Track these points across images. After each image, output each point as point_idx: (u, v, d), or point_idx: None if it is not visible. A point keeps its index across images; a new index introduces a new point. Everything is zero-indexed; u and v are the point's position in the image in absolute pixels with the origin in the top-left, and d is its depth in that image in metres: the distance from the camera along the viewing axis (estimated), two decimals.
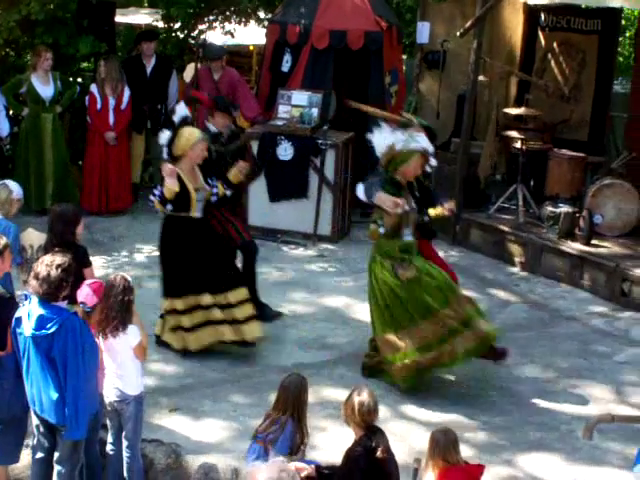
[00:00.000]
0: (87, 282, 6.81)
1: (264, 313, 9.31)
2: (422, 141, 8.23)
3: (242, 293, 8.75)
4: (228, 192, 8.89)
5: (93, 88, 12.69)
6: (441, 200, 8.42)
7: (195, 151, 8.51)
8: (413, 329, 8.08)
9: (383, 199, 8.00)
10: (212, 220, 8.95)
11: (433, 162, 8.42)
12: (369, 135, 8.35)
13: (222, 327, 8.62)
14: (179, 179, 8.42)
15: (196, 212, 8.60)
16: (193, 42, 15.34)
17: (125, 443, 6.76)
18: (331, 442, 7.32)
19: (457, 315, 8.07)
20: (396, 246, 8.16)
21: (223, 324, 8.61)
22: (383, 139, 8.18)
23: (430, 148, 8.29)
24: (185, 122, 8.66)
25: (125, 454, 6.77)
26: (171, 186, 8.35)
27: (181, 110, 8.76)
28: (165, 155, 8.62)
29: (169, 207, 8.48)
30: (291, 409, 6.46)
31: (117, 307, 6.51)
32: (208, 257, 8.65)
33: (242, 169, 9.01)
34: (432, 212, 8.30)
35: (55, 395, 6.18)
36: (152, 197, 8.56)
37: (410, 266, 8.10)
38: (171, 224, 8.67)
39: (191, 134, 8.53)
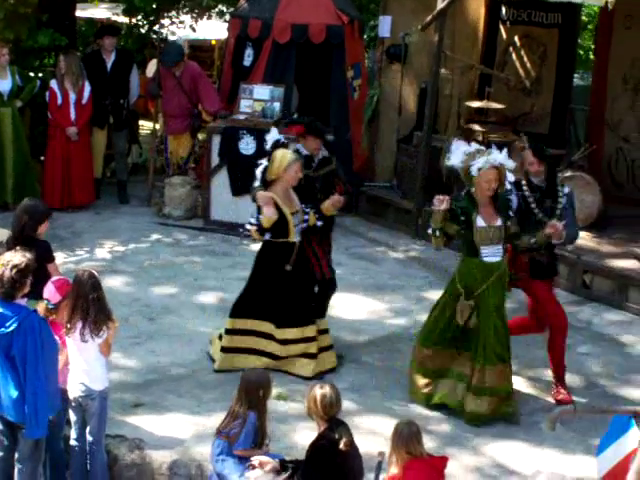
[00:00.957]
0: (52, 279, 6.81)
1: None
2: (498, 155, 7.78)
3: (324, 323, 8.62)
4: (319, 223, 8.48)
5: (53, 83, 12.62)
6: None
7: (289, 173, 8.14)
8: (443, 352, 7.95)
9: (433, 201, 7.90)
10: (307, 248, 8.52)
11: (510, 177, 7.89)
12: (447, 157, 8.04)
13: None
14: (275, 205, 8.10)
15: (294, 237, 8.28)
16: (155, 37, 15.31)
17: (89, 439, 6.74)
18: (295, 436, 7.32)
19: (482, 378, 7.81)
20: (471, 268, 7.82)
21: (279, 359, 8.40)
22: (459, 152, 7.86)
23: (509, 164, 7.77)
24: (278, 145, 8.31)
25: (89, 450, 6.75)
26: (269, 216, 8.03)
27: (274, 134, 8.42)
28: (257, 182, 8.25)
29: (267, 236, 8.20)
30: (248, 403, 6.47)
31: (91, 308, 6.48)
32: (297, 287, 8.39)
33: (336, 203, 8.50)
34: (538, 237, 8.01)
35: (15, 393, 6.15)
36: (249, 226, 8.25)
37: (466, 311, 7.73)
38: (269, 249, 8.34)
39: (284, 156, 8.17)
